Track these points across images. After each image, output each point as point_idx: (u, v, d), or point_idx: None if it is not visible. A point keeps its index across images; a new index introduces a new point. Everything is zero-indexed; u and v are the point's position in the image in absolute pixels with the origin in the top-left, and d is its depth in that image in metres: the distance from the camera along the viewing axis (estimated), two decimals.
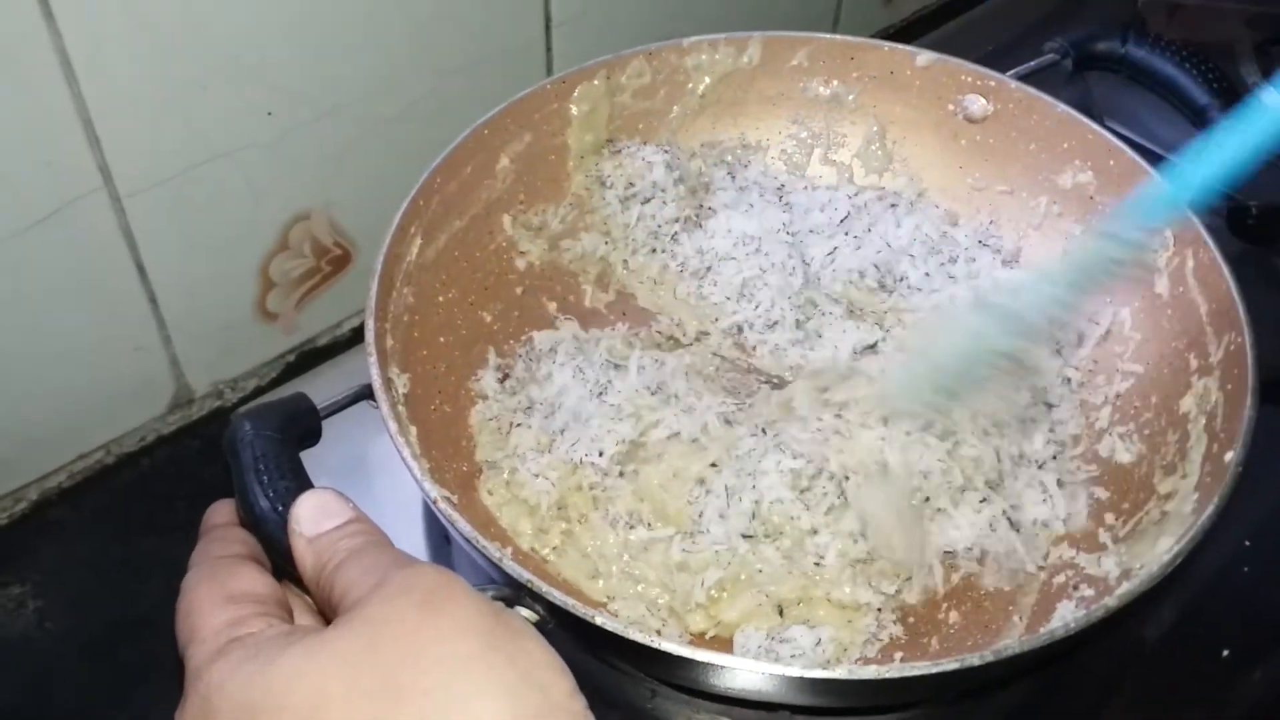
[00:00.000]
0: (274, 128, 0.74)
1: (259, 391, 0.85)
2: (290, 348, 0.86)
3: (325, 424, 0.59)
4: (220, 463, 0.53)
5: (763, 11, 1.00)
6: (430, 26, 0.78)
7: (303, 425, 0.56)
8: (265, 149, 0.74)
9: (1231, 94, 0.79)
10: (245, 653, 0.40)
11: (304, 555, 0.45)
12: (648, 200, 0.80)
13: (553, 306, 0.79)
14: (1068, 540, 0.67)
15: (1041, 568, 0.66)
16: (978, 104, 0.80)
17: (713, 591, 0.64)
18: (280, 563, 0.47)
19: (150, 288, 0.74)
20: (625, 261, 0.81)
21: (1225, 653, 0.68)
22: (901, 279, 0.79)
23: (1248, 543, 0.72)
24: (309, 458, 0.54)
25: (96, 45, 0.64)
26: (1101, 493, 0.69)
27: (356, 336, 0.88)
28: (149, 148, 0.69)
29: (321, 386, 0.62)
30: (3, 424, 0.73)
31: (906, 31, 1.16)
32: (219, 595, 0.44)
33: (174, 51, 0.67)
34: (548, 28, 0.86)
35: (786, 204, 0.83)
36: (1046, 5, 1.15)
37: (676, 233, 0.80)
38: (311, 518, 0.46)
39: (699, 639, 0.63)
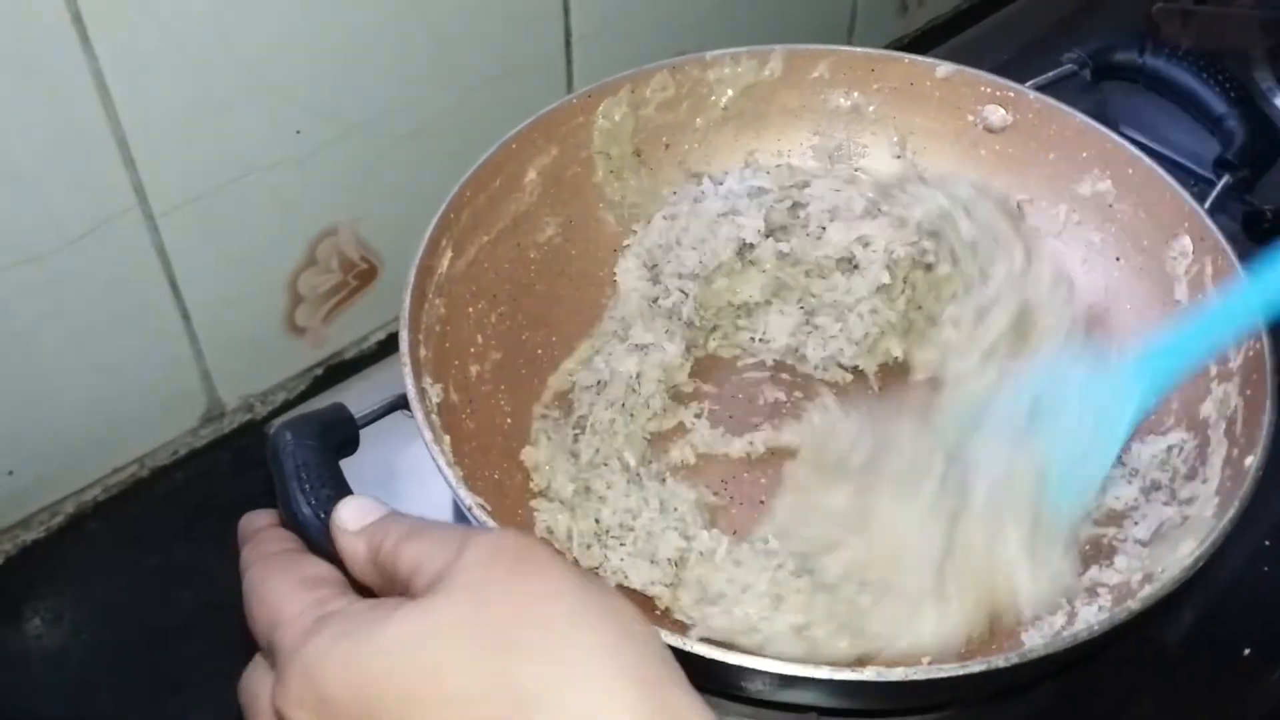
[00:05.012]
0: (302, 145, 0.75)
1: (288, 405, 0.86)
2: (318, 361, 0.87)
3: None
4: (251, 474, 0.54)
5: (777, 22, 1.01)
6: (453, 43, 0.79)
7: (341, 434, 0.57)
8: (294, 166, 0.75)
9: (1248, 104, 0.80)
10: (339, 628, 0.40)
11: (353, 545, 0.45)
12: None
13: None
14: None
15: None
16: (997, 114, 0.81)
17: None
18: None
19: (183, 303, 0.75)
20: None
21: (1246, 651, 0.68)
22: None
23: (1267, 543, 0.73)
24: (344, 467, 0.55)
25: (131, 68, 0.65)
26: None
27: (383, 349, 0.89)
28: (182, 167, 0.71)
29: (350, 399, 0.63)
30: (39, 438, 0.74)
31: (921, 41, 1.17)
32: (293, 580, 0.44)
33: (207, 72, 0.68)
34: (568, 42, 0.87)
35: None
36: (1060, 13, 1.16)
37: None
38: (354, 516, 0.46)
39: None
